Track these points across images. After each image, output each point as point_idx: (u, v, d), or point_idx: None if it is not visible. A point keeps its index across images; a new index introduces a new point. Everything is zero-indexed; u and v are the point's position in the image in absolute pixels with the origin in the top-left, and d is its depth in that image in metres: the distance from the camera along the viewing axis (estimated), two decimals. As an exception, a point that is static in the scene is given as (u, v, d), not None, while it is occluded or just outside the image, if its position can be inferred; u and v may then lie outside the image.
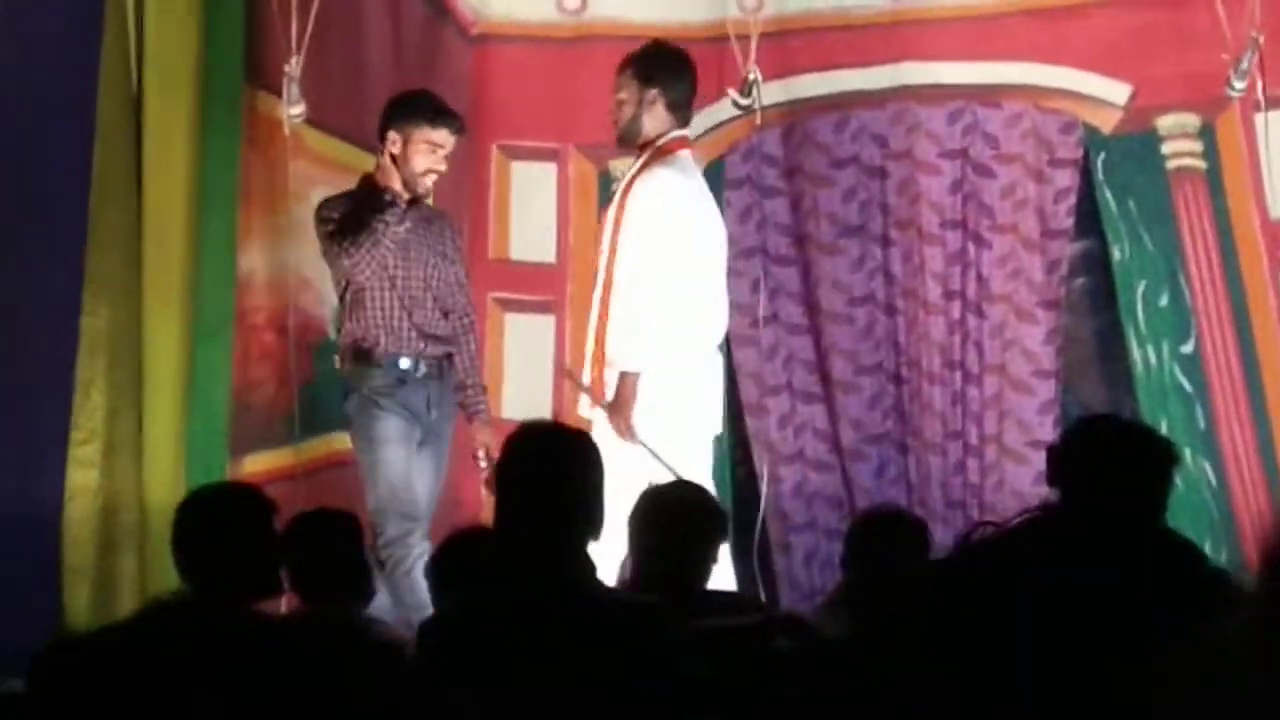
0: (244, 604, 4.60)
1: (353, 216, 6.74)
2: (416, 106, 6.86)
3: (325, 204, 6.87)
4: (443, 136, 6.81)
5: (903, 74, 7.97)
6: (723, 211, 7.13)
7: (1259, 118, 7.59)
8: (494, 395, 7.81)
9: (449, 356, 6.96)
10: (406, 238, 6.79)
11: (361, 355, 6.80)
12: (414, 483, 6.74)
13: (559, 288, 8.14)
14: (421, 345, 6.84)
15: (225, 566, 4.67)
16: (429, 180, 6.83)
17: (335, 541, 5.34)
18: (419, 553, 6.48)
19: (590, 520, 4.18)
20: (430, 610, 5.72)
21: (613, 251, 6.72)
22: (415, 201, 6.84)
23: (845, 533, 5.95)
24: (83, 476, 7.02)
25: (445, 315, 6.95)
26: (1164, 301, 7.80)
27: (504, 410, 7.78)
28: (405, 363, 6.80)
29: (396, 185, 6.79)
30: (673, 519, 4.98)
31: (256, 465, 7.34)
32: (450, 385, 6.95)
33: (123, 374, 7.12)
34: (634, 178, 6.74)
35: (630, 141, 6.80)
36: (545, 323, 8.10)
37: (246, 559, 4.70)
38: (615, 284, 6.68)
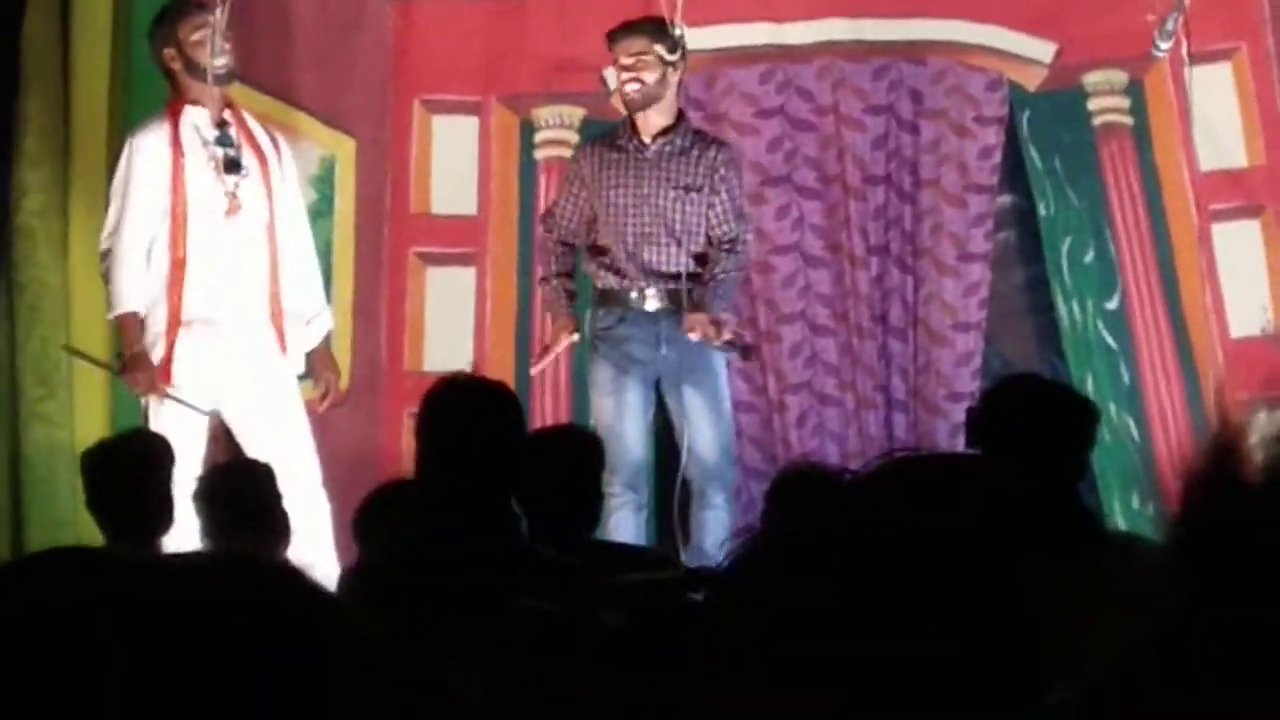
0: (150, 543, 5.06)
1: None
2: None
3: None
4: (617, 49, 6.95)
5: (829, 29, 7.97)
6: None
7: (1187, 73, 7.62)
8: (415, 348, 7.82)
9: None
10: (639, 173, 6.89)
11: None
12: (624, 429, 6.78)
13: (480, 240, 8.09)
14: (645, 281, 6.88)
15: (127, 506, 5.14)
16: (628, 90, 6.92)
17: (247, 489, 5.47)
18: (617, 504, 6.55)
19: (512, 473, 4.19)
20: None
21: None
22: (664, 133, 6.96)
23: (767, 489, 5.96)
24: (46, 432, 7.08)
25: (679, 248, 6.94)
26: (1089, 257, 7.83)
27: (425, 363, 7.80)
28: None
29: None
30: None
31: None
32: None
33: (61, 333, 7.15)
34: None
35: None
36: (466, 275, 8.07)
37: (146, 499, 4.98)
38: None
